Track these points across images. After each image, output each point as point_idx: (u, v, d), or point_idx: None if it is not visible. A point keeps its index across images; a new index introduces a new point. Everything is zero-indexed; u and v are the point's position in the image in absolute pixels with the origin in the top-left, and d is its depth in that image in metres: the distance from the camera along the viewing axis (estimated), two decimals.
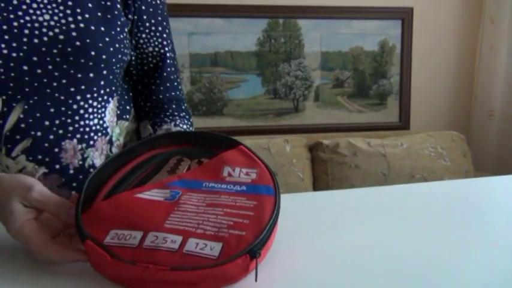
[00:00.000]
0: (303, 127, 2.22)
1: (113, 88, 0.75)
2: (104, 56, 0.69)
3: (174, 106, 0.87)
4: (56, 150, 0.68)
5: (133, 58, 0.82)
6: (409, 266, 0.49)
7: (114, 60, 0.71)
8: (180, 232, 0.46)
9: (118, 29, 0.72)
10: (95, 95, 0.71)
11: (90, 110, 0.71)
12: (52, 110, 0.67)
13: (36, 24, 0.64)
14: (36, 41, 0.64)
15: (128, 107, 0.82)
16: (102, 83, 0.71)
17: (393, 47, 2.27)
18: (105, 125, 0.74)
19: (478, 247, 0.53)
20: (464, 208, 0.66)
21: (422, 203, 0.69)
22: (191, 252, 0.44)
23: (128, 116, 0.82)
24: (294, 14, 2.15)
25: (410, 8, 2.24)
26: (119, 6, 0.73)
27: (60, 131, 0.68)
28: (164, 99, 0.86)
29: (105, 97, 0.73)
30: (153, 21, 0.80)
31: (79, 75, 0.68)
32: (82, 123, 0.70)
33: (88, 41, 0.66)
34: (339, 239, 0.57)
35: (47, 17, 0.65)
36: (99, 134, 0.73)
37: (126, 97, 0.82)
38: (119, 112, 0.79)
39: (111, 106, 0.75)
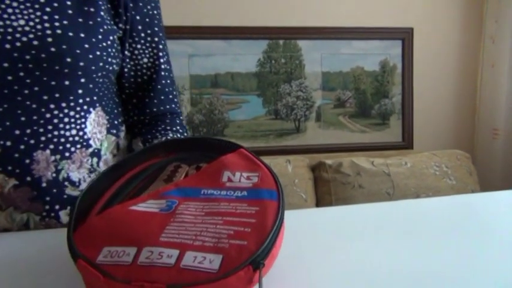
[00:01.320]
0: (304, 148, 2.19)
1: (95, 98, 0.71)
2: (81, 63, 0.65)
3: (167, 121, 0.84)
4: (27, 161, 0.64)
5: (126, 70, 0.79)
6: (420, 282, 0.45)
7: (94, 68, 0.68)
8: (176, 245, 0.42)
9: (100, 36, 0.68)
10: (72, 104, 0.67)
11: (66, 119, 0.67)
12: (23, 118, 0.63)
13: (10, 30, 0.61)
14: (7, 46, 0.61)
15: (117, 121, 0.78)
16: (80, 91, 0.68)
17: (394, 67, 2.26)
18: (85, 137, 0.70)
19: (488, 261, 0.50)
20: (472, 222, 0.63)
21: (428, 218, 0.66)
22: (189, 266, 0.41)
23: (115, 131, 0.78)
24: (294, 35, 2.15)
25: (410, 28, 2.24)
26: (102, 13, 0.70)
27: (32, 141, 0.64)
28: (158, 112, 0.83)
29: (85, 107, 0.69)
30: (148, 31, 0.78)
31: (53, 83, 0.64)
32: (56, 133, 0.66)
33: (64, 47, 0.63)
34: (347, 254, 0.53)
35: (22, 22, 0.62)
36: (78, 146, 0.69)
37: (115, 111, 0.79)
38: (108, 125, 0.75)
39: (93, 117, 0.71)
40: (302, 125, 2.21)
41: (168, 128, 0.83)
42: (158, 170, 0.53)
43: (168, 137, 0.82)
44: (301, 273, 0.48)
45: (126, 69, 0.80)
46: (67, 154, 0.68)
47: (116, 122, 0.78)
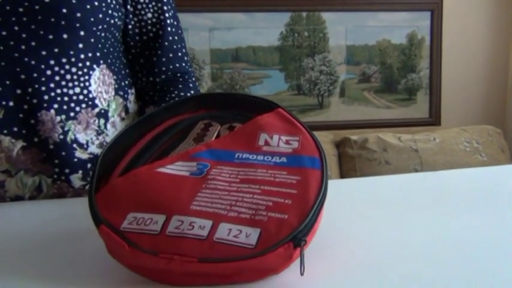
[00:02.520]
0: (328, 124, 2.13)
1: (98, 54, 0.67)
2: (78, 14, 0.61)
3: (180, 86, 0.79)
4: (32, 121, 0.62)
5: (130, 27, 0.75)
6: (451, 250, 0.41)
7: (92, 19, 0.64)
8: (209, 216, 0.38)
9: None
10: (73, 59, 0.64)
11: (68, 76, 0.64)
12: (23, 76, 0.60)
13: None
14: None
15: (124, 83, 0.75)
16: (80, 45, 0.64)
17: (422, 40, 2.17)
18: (90, 96, 0.66)
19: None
20: (503, 194, 0.59)
21: (459, 189, 0.62)
22: (223, 240, 0.37)
23: (123, 93, 0.74)
24: (317, 7, 2.07)
25: None
26: None
27: (34, 100, 0.61)
28: (168, 71, 0.78)
29: (87, 63, 0.66)
30: None
31: (50, 37, 0.61)
32: (59, 91, 0.63)
33: None
34: (384, 227, 0.49)
35: None
36: (83, 105, 0.66)
37: (123, 72, 0.75)
38: (116, 86, 0.72)
39: (98, 75, 0.67)
40: (325, 101, 2.14)
41: (182, 94, 0.79)
42: (187, 127, 0.48)
43: None
44: (339, 246, 0.44)
45: (130, 26, 0.76)
46: (72, 114, 0.65)
47: (123, 84, 0.75)
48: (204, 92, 2.08)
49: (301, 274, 0.36)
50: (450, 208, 0.55)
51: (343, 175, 1.85)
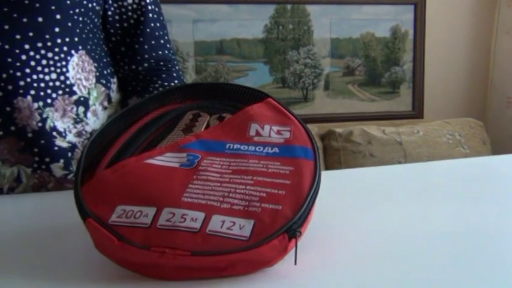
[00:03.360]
0: (313, 117, 2.13)
1: (76, 39, 0.65)
2: None
3: (164, 75, 0.78)
4: (8, 109, 0.60)
5: (109, 13, 0.73)
6: (433, 242, 0.41)
7: (69, 2, 0.62)
8: (201, 207, 0.37)
9: None
10: (49, 43, 0.61)
11: (44, 62, 0.61)
12: None
13: None
14: None
15: (106, 71, 0.73)
16: (56, 30, 0.62)
17: (406, 33, 2.18)
18: (68, 82, 0.64)
19: (501, 222, 0.46)
20: (486, 184, 0.60)
21: (441, 180, 0.63)
22: (216, 232, 0.36)
23: (105, 82, 0.72)
24: (302, 0, 2.06)
25: None
26: None
27: (10, 87, 0.59)
28: (151, 59, 0.77)
29: (65, 48, 0.63)
30: None
31: (24, 20, 0.59)
32: (35, 77, 0.61)
33: None
34: (371, 217, 0.48)
35: None
36: (60, 92, 0.63)
37: (104, 60, 0.73)
38: (97, 74, 0.70)
39: (76, 61, 0.65)
40: (310, 94, 2.14)
41: (166, 84, 0.77)
42: (175, 118, 0.47)
43: None
44: (331, 238, 0.44)
45: (109, 13, 0.74)
46: (49, 101, 0.63)
47: (105, 72, 0.73)
48: (190, 81, 2.06)
49: (295, 264, 0.35)
50: (436, 198, 0.55)
51: (328, 167, 1.86)
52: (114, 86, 0.76)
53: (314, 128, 1.94)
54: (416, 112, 2.21)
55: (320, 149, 1.87)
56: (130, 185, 0.40)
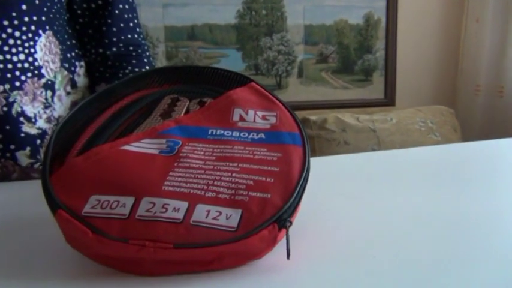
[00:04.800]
0: (286, 104, 2.11)
1: (43, 18, 0.61)
2: None
3: (134, 61, 0.74)
4: None
5: None
6: (405, 226, 0.40)
7: None
8: (184, 196, 0.34)
9: None
10: (16, 22, 0.58)
11: (11, 41, 0.58)
12: None
13: None
14: None
15: (70, 54, 0.69)
16: (23, 7, 0.58)
17: (378, 21, 2.18)
18: (36, 64, 0.60)
19: (474, 204, 0.45)
20: (457, 170, 0.60)
21: (415, 167, 0.63)
22: (201, 223, 0.33)
23: (68, 65, 0.68)
24: None
25: None
26: None
27: None
28: (119, 43, 0.73)
29: (32, 27, 0.59)
30: None
31: None
32: (1, 57, 0.57)
33: None
34: (357, 205, 0.47)
35: None
36: (29, 74, 0.60)
37: (68, 42, 0.69)
38: (61, 57, 0.66)
39: (43, 41, 0.61)
40: (283, 81, 2.12)
41: (137, 69, 0.74)
42: (152, 102, 0.43)
43: None
44: (318, 227, 0.42)
45: None
46: (17, 84, 0.58)
47: (69, 55, 0.69)
48: None
49: (288, 258, 0.33)
50: (415, 184, 0.54)
51: None
52: (80, 70, 0.71)
53: None
54: (389, 100, 2.23)
55: None
56: (105, 173, 0.36)
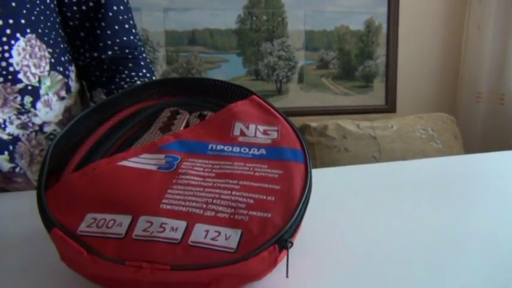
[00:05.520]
0: (286, 110, 2.11)
1: (22, 21, 0.59)
2: None
3: (130, 64, 0.72)
4: None
5: None
6: (406, 243, 0.39)
7: None
8: (182, 215, 0.33)
9: None
10: None
11: None
12: None
13: None
14: None
15: (64, 58, 0.67)
16: None
17: (379, 27, 2.18)
18: (11, 69, 0.58)
19: (471, 221, 0.45)
20: (457, 184, 0.60)
21: (415, 179, 0.62)
22: (199, 243, 0.32)
23: (62, 69, 0.66)
24: None
25: None
26: None
27: None
28: (115, 46, 0.71)
29: (8, 31, 0.57)
30: None
31: None
32: None
33: None
34: (360, 221, 0.46)
35: None
36: (0, 80, 0.58)
37: (61, 45, 0.67)
38: (53, 60, 0.64)
39: (22, 45, 0.59)
40: (284, 87, 2.11)
41: (133, 73, 0.72)
42: (151, 115, 0.42)
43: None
44: (320, 245, 0.41)
45: None
46: None
47: (63, 59, 0.67)
48: (159, 76, 1.99)
49: (287, 276, 0.32)
50: (419, 197, 0.53)
51: None
52: (72, 75, 0.70)
53: None
54: (389, 106, 2.22)
55: None
56: (102, 190, 0.35)
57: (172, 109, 0.43)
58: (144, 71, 0.74)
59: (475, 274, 0.35)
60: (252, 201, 0.35)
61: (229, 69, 2.05)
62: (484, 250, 0.39)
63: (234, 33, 2.03)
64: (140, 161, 0.38)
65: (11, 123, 0.60)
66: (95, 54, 0.71)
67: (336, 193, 0.56)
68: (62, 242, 0.33)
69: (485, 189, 0.57)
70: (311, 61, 2.13)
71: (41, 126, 0.64)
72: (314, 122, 1.90)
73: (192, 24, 1.98)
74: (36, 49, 0.61)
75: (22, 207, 0.51)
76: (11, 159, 0.61)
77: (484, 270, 0.36)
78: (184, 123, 0.42)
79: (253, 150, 0.39)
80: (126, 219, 0.33)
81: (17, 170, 0.62)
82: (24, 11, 0.59)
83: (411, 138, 1.83)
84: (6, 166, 0.60)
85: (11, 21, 0.57)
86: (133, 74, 0.72)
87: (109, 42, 0.70)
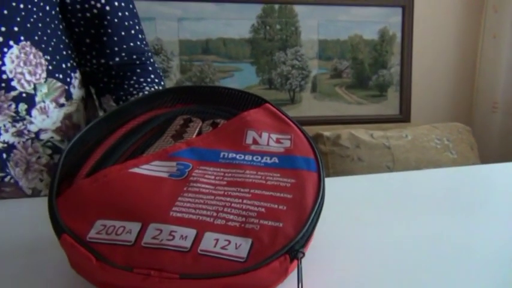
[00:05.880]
0: (299, 119, 2.10)
1: (15, 29, 0.58)
2: None
3: (138, 70, 0.72)
4: None
5: (68, 1, 0.66)
6: (417, 252, 0.38)
7: None
8: (192, 223, 0.33)
9: None
10: None
11: None
12: None
13: None
14: None
15: (66, 65, 0.67)
16: None
17: (393, 36, 2.17)
18: (4, 77, 0.58)
19: (487, 231, 0.43)
20: (473, 194, 0.58)
21: (430, 189, 0.60)
22: (209, 252, 0.32)
23: (62, 76, 0.66)
24: (290, 0, 2.03)
25: None
26: None
27: None
28: (122, 52, 0.70)
29: (0, 38, 0.57)
30: None
31: None
32: None
33: None
34: (374, 231, 0.45)
35: None
36: None
37: (64, 52, 0.67)
38: (50, 67, 0.64)
39: (16, 53, 0.59)
40: (297, 96, 2.11)
41: (142, 79, 0.71)
42: (164, 122, 0.42)
43: (145, 91, 0.70)
44: (333, 256, 0.40)
45: (68, 1, 0.67)
46: None
47: (64, 66, 0.67)
48: (173, 85, 2.00)
49: None
50: (429, 209, 0.52)
51: None
52: (75, 81, 0.70)
53: None
54: (404, 116, 2.20)
55: None
56: (112, 196, 0.35)
57: (185, 117, 0.43)
58: (153, 76, 0.73)
59: (494, 286, 0.34)
60: (263, 210, 0.34)
61: (242, 78, 2.06)
62: (502, 262, 0.38)
63: (247, 43, 2.03)
64: (151, 168, 0.38)
65: (6, 131, 0.60)
66: (102, 61, 0.71)
67: (350, 203, 0.55)
68: (71, 249, 0.33)
69: (502, 200, 0.56)
70: (324, 70, 2.12)
71: (37, 133, 0.63)
72: (327, 131, 1.88)
73: (205, 34, 1.99)
74: (31, 56, 0.61)
75: (34, 213, 0.52)
76: (1, 169, 0.61)
77: (503, 282, 0.34)
78: (196, 131, 0.42)
79: (266, 159, 0.39)
80: (135, 227, 0.33)
81: (7, 179, 0.61)
82: (18, 19, 0.59)
83: (426, 148, 1.81)
84: None
85: (3, 28, 0.57)
86: (141, 79, 0.71)
87: (116, 49, 0.70)
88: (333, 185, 0.63)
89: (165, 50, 1.95)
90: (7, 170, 0.61)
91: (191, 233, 0.32)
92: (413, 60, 2.20)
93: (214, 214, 0.34)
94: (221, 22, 2.00)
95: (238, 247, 0.32)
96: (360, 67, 2.16)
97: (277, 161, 0.38)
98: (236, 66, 2.04)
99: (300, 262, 0.32)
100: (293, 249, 0.32)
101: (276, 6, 2.03)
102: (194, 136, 0.41)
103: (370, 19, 2.13)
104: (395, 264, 0.38)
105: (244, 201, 0.35)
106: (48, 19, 0.64)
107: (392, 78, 2.19)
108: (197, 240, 0.32)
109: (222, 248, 0.32)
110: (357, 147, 1.75)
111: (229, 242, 0.32)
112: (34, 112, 0.62)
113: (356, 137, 1.79)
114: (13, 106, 0.60)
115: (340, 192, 0.60)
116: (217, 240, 0.32)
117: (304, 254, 0.32)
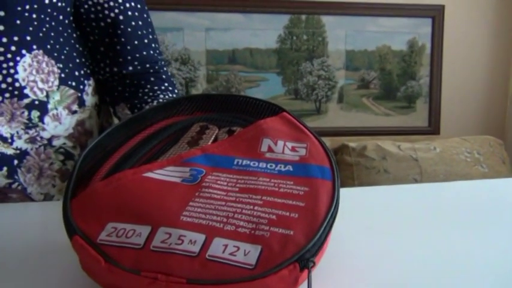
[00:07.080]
0: (325, 130, 2.08)
1: (28, 38, 0.59)
2: None
3: (152, 79, 0.72)
4: None
5: (82, 10, 0.67)
6: (445, 265, 0.36)
7: None
8: (202, 229, 0.33)
9: None
10: None
11: None
12: None
13: None
14: None
15: (79, 72, 0.68)
16: (1, 28, 0.56)
17: (423, 47, 2.13)
18: (17, 85, 0.59)
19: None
20: (501, 208, 0.55)
21: (458, 202, 0.58)
22: (217, 258, 0.31)
23: (75, 84, 0.67)
24: (317, 10, 2.03)
25: (441, 6, 2.10)
26: None
27: None
28: (135, 61, 0.71)
29: (12, 48, 0.58)
30: None
31: None
32: None
33: None
34: (393, 243, 0.43)
35: None
36: (6, 95, 0.58)
37: (77, 60, 0.68)
38: (63, 75, 0.65)
39: (28, 61, 0.60)
40: (323, 106, 2.10)
41: (156, 87, 0.72)
42: (181, 129, 0.42)
43: (159, 99, 0.70)
44: (347, 266, 0.39)
45: (82, 10, 0.68)
46: None
47: (77, 73, 0.67)
48: (196, 92, 2.02)
49: None
50: (458, 222, 0.50)
51: (340, 183, 1.80)
52: (89, 89, 0.70)
53: (326, 142, 1.89)
54: (433, 128, 2.15)
55: None
56: (124, 200, 0.35)
57: (202, 124, 0.43)
58: (166, 84, 0.74)
59: None
60: (274, 217, 0.33)
61: (268, 88, 2.06)
62: None
63: (274, 53, 2.04)
64: (165, 173, 0.38)
65: (19, 137, 0.61)
66: (115, 69, 0.72)
67: (370, 213, 0.53)
68: (82, 250, 0.33)
69: None
70: (351, 81, 2.11)
71: (50, 140, 0.64)
72: (353, 143, 1.86)
73: (232, 44, 2.00)
74: (44, 64, 0.62)
75: (48, 217, 0.52)
76: (10, 175, 0.62)
77: None
78: (212, 138, 0.41)
79: (280, 167, 0.38)
80: (145, 230, 0.33)
81: (14, 185, 0.62)
82: (31, 28, 0.60)
83: (455, 161, 1.76)
84: (3, 182, 0.61)
85: (15, 38, 0.58)
86: (155, 87, 0.72)
87: (129, 58, 0.71)
88: (353, 195, 0.62)
89: (192, 59, 1.98)
90: (16, 177, 0.62)
91: (200, 237, 0.32)
92: (443, 72, 2.16)
93: (225, 220, 0.33)
94: (248, 32, 2.01)
95: (247, 254, 0.31)
96: (388, 78, 2.13)
97: (291, 169, 0.38)
98: (262, 76, 2.05)
99: (310, 271, 0.31)
100: (303, 258, 0.31)
101: (303, 17, 2.03)
102: (210, 143, 0.41)
103: (399, 30, 2.10)
104: (414, 280, 0.36)
105: (256, 208, 0.34)
106: (61, 28, 0.65)
107: (421, 89, 2.15)
108: (206, 245, 0.32)
109: (231, 254, 0.31)
110: (383, 159, 1.72)
111: (238, 248, 0.31)
112: (46, 119, 0.63)
113: (382, 148, 1.76)
114: (26, 113, 0.61)
115: (360, 202, 0.58)
116: (226, 246, 0.32)
117: (315, 263, 0.31)
